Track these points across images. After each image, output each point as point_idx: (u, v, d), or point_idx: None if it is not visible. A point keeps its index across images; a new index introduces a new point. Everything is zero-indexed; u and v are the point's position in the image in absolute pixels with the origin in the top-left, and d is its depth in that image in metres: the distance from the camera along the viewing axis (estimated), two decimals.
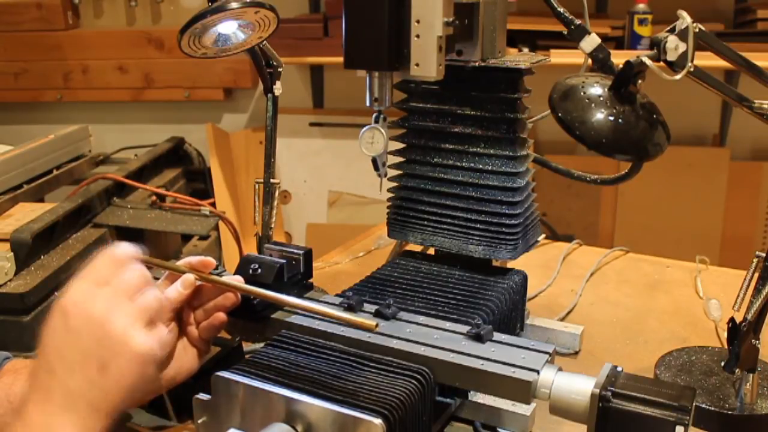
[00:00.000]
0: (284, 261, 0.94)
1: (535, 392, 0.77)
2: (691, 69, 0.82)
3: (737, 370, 0.91)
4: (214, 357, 0.95)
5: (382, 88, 0.85)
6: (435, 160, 1.05)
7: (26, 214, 1.85)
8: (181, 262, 0.90)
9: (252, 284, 0.90)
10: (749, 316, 0.88)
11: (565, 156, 2.66)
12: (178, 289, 0.86)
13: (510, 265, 1.08)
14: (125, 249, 0.78)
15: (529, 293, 1.21)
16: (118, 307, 0.72)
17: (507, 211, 1.01)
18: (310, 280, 1.00)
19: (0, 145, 2.25)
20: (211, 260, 0.90)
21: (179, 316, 0.88)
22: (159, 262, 0.89)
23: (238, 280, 0.89)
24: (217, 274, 0.90)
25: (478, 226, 1.03)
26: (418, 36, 0.82)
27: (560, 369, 0.78)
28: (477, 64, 0.96)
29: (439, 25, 0.81)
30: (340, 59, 0.84)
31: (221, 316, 0.88)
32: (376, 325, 0.79)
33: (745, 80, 2.19)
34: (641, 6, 2.38)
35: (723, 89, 0.86)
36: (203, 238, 2.21)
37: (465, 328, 0.86)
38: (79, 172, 2.43)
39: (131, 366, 0.71)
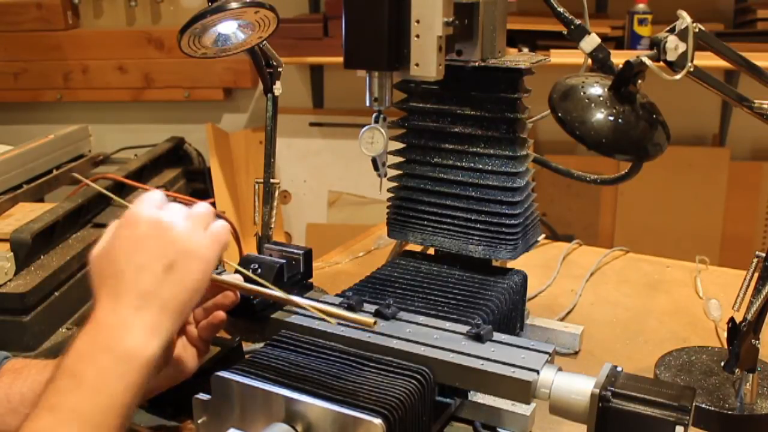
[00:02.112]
0: (284, 261, 0.94)
1: (535, 392, 0.77)
2: (691, 69, 0.82)
3: (737, 370, 0.91)
4: (214, 357, 0.95)
5: (382, 88, 0.85)
6: (435, 160, 1.05)
7: (26, 214, 1.85)
8: None
9: (251, 283, 0.90)
10: (749, 316, 0.88)
11: (565, 156, 2.66)
12: None
13: (510, 265, 1.08)
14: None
15: (529, 293, 1.21)
16: (180, 215, 0.75)
17: (507, 211, 1.01)
18: (310, 280, 1.00)
19: (0, 145, 2.25)
20: None
21: None
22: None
23: (237, 279, 0.89)
24: (217, 274, 0.90)
25: (478, 226, 1.03)
26: (418, 36, 0.82)
27: (560, 369, 0.78)
28: (477, 64, 0.96)
29: (439, 25, 0.81)
30: (340, 59, 0.84)
31: (221, 314, 0.88)
32: (375, 323, 0.79)
33: (745, 80, 2.19)
34: (641, 6, 2.38)
35: (723, 89, 0.86)
36: None
37: (465, 328, 0.86)
38: (79, 172, 2.43)
39: (195, 264, 0.73)
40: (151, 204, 0.75)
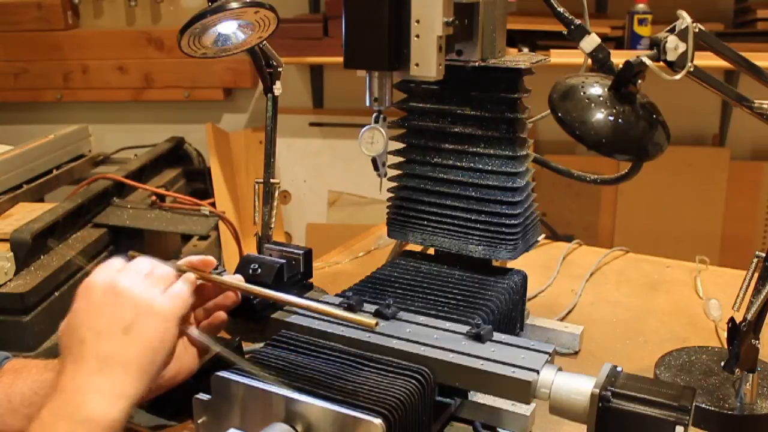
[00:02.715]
0: (284, 261, 0.94)
1: (535, 392, 0.77)
2: (691, 69, 0.82)
3: (737, 370, 0.91)
4: (214, 357, 0.95)
5: (382, 88, 0.85)
6: (435, 160, 1.05)
7: (26, 214, 1.85)
8: (181, 262, 0.90)
9: (252, 284, 0.90)
10: (749, 316, 0.88)
11: (565, 156, 2.66)
12: None
13: (510, 265, 1.08)
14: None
15: (529, 293, 1.21)
16: (136, 279, 0.77)
17: (507, 211, 1.01)
18: (310, 280, 1.00)
19: (0, 145, 2.25)
20: (212, 259, 0.90)
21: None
22: (159, 261, 0.89)
23: (238, 280, 0.89)
24: (217, 274, 0.90)
25: (478, 226, 1.03)
26: (418, 36, 0.82)
27: (560, 369, 0.78)
28: (477, 64, 0.96)
29: (439, 25, 0.81)
30: (340, 59, 0.84)
31: (221, 315, 0.88)
32: (376, 323, 0.79)
33: (745, 80, 2.19)
34: (641, 6, 2.38)
35: (723, 89, 0.86)
36: (203, 238, 2.21)
37: (465, 328, 0.86)
38: (79, 172, 2.43)
39: (153, 322, 0.74)
40: (109, 270, 0.77)
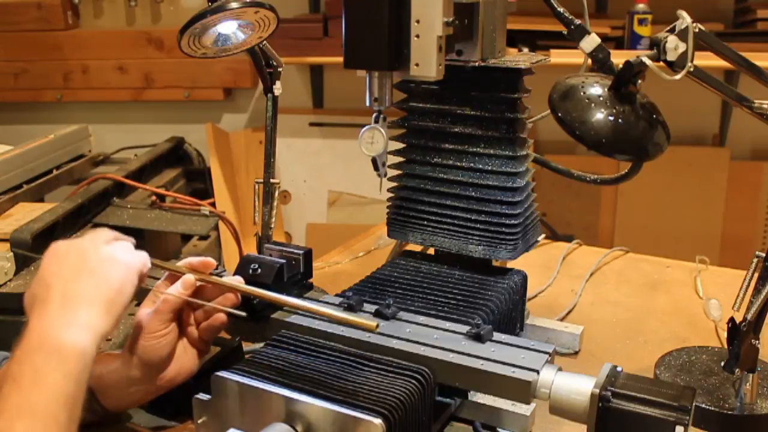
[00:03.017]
0: (284, 261, 0.94)
1: (535, 392, 0.77)
2: (691, 69, 0.82)
3: (737, 370, 0.91)
4: (214, 357, 0.95)
5: (382, 88, 0.85)
6: (435, 160, 1.05)
7: (26, 214, 1.85)
8: (181, 263, 0.90)
9: (252, 284, 0.90)
10: (749, 316, 0.88)
11: (565, 156, 2.66)
12: (178, 290, 0.86)
13: (510, 265, 1.08)
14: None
15: (529, 293, 1.21)
16: (98, 240, 0.83)
17: (507, 211, 1.01)
18: (310, 280, 1.00)
19: (0, 145, 2.25)
20: (212, 261, 0.90)
21: (179, 316, 0.88)
22: (159, 262, 0.89)
23: (238, 281, 0.89)
24: (217, 275, 0.90)
25: (478, 226, 1.03)
26: (418, 36, 0.82)
27: (560, 369, 0.78)
28: (477, 64, 0.96)
29: (439, 25, 0.81)
30: (340, 59, 0.84)
31: (221, 316, 0.88)
32: (377, 326, 0.79)
33: (745, 80, 2.19)
34: (641, 6, 2.38)
35: (723, 89, 0.86)
36: (203, 238, 2.20)
37: (465, 328, 0.86)
38: (79, 172, 2.43)
39: (116, 267, 0.79)
40: (73, 239, 0.83)
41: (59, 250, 0.80)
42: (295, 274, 0.96)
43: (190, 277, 0.87)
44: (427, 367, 0.79)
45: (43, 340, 0.71)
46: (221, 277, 0.90)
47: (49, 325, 0.72)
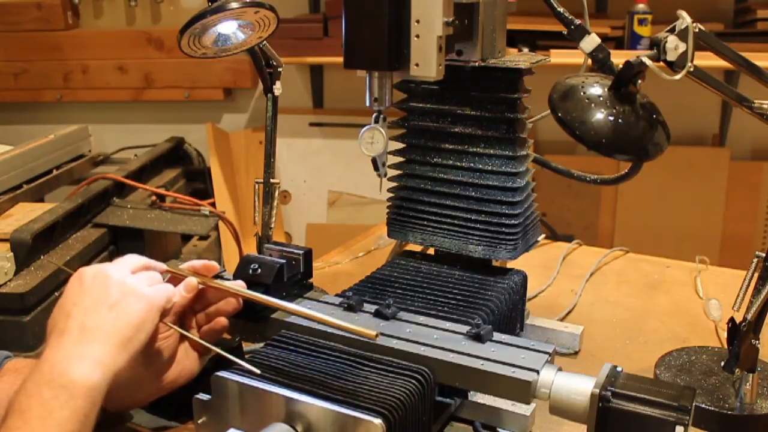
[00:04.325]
0: (284, 261, 0.94)
1: (535, 392, 0.77)
2: (691, 69, 0.82)
3: (737, 370, 0.91)
4: (214, 357, 0.95)
5: (382, 88, 0.85)
6: (435, 160, 1.05)
7: (26, 214, 1.85)
8: (184, 266, 0.90)
9: (252, 284, 0.90)
10: (749, 316, 0.88)
11: (565, 156, 2.66)
12: (180, 293, 0.86)
13: (510, 265, 1.08)
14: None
15: (529, 293, 1.21)
16: (124, 270, 0.82)
17: (507, 211, 1.01)
18: (310, 280, 1.00)
19: (0, 145, 2.25)
20: (215, 264, 0.90)
21: (181, 319, 0.88)
22: (161, 265, 0.89)
23: (240, 286, 0.89)
24: (218, 276, 0.90)
25: (478, 226, 1.03)
26: (418, 36, 0.82)
27: (560, 369, 0.78)
28: (477, 64, 0.96)
29: (439, 25, 0.81)
30: (340, 59, 0.84)
31: (222, 321, 0.88)
32: (377, 335, 0.79)
33: (745, 80, 2.19)
34: (641, 6, 2.38)
35: (723, 89, 0.86)
36: (203, 238, 2.21)
37: (465, 328, 0.86)
38: (79, 172, 2.43)
39: (138, 304, 0.78)
40: (99, 264, 0.82)
41: (84, 276, 0.79)
42: (295, 274, 0.96)
43: (192, 281, 0.87)
44: (427, 367, 0.79)
45: (54, 373, 0.71)
46: (222, 278, 0.90)
47: (63, 359, 0.72)
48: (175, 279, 0.89)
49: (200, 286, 0.88)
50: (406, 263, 1.07)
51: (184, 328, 0.88)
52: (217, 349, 0.84)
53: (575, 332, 1.08)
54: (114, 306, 0.76)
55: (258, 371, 0.77)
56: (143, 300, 0.78)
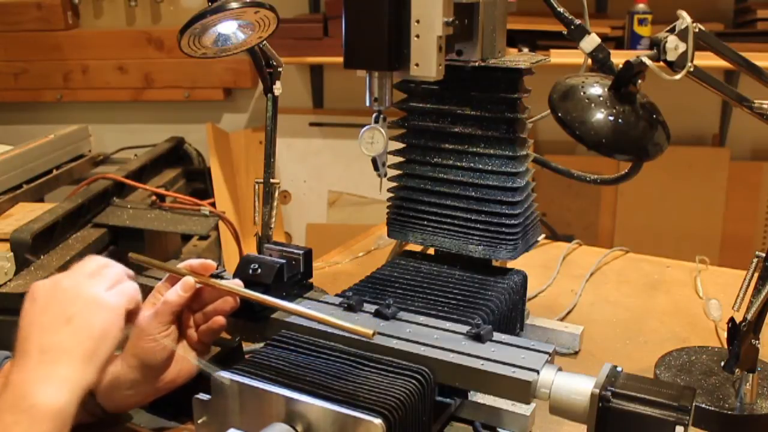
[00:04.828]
0: (284, 261, 0.94)
1: (535, 392, 0.77)
2: (691, 69, 0.82)
3: (737, 370, 0.91)
4: (214, 357, 0.95)
5: (382, 88, 0.85)
6: (435, 160, 1.05)
7: (26, 214, 1.85)
8: (181, 265, 0.90)
9: (252, 285, 0.90)
10: (749, 316, 0.88)
11: (565, 156, 2.66)
12: (178, 292, 0.86)
13: (510, 265, 1.08)
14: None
15: (529, 293, 1.21)
16: (79, 277, 0.78)
17: (507, 211, 1.01)
18: (310, 280, 1.00)
19: (0, 145, 2.25)
20: (212, 263, 0.90)
21: (179, 318, 0.88)
22: (159, 264, 0.89)
23: (237, 284, 0.89)
24: (218, 276, 0.90)
25: (478, 226, 1.03)
26: (418, 36, 0.82)
27: (560, 369, 0.78)
28: (477, 64, 0.96)
29: (439, 25, 0.81)
30: (340, 59, 0.84)
31: (220, 320, 0.88)
32: (373, 334, 0.79)
33: (745, 80, 2.19)
34: (641, 6, 2.38)
35: (723, 89, 0.86)
36: (203, 238, 2.21)
37: (465, 328, 0.86)
38: (79, 172, 2.43)
39: (97, 313, 0.75)
40: (55, 276, 0.78)
41: (37, 293, 0.76)
42: (295, 274, 0.96)
43: (190, 280, 0.87)
44: (427, 367, 0.79)
45: (17, 398, 0.69)
46: (221, 278, 0.90)
47: (25, 381, 0.70)
48: (173, 278, 0.89)
49: (198, 286, 0.88)
50: (406, 263, 1.07)
51: (182, 328, 0.88)
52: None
53: (575, 332, 1.08)
54: (71, 319, 0.73)
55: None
56: (103, 308, 0.75)
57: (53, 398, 0.69)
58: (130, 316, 0.80)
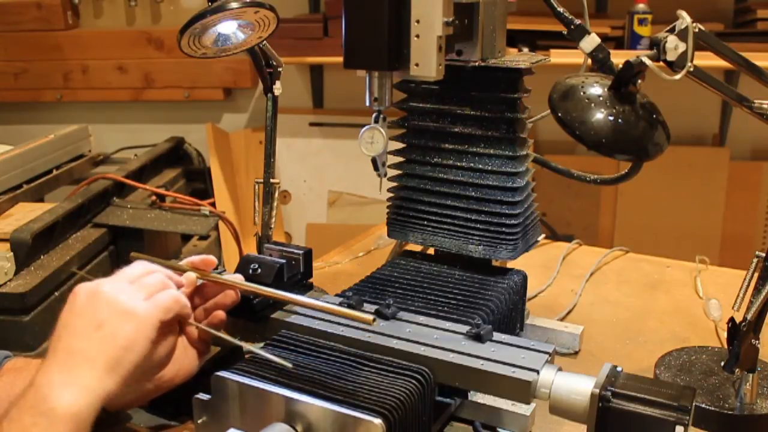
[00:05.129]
0: (284, 261, 0.94)
1: (535, 392, 0.77)
2: (691, 69, 0.82)
3: (737, 370, 0.91)
4: (214, 357, 0.95)
5: (381, 88, 0.85)
6: (435, 160, 1.05)
7: (26, 214, 1.85)
8: (183, 262, 0.90)
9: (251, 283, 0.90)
10: (749, 316, 0.88)
11: (565, 156, 2.66)
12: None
13: (510, 265, 1.08)
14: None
15: (529, 293, 1.21)
16: (120, 284, 0.79)
17: (507, 211, 1.01)
18: (310, 280, 1.00)
19: (0, 145, 2.25)
20: (213, 259, 0.90)
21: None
22: (160, 261, 0.89)
23: (238, 279, 0.89)
24: (217, 274, 0.90)
25: (478, 226, 1.03)
26: (418, 36, 0.82)
27: (560, 369, 0.78)
28: (477, 64, 0.96)
29: (439, 25, 0.81)
30: (340, 59, 0.84)
31: (220, 314, 0.88)
32: (374, 320, 0.79)
33: (745, 80, 2.19)
34: (641, 6, 2.38)
35: (723, 89, 0.86)
36: (203, 238, 2.21)
37: (465, 328, 0.86)
38: (79, 172, 2.43)
39: (127, 323, 0.75)
40: (99, 280, 0.79)
41: (78, 296, 0.76)
42: (295, 274, 0.96)
43: (191, 275, 0.87)
44: (427, 367, 0.79)
45: (38, 399, 0.69)
46: (221, 275, 0.90)
47: (47, 384, 0.70)
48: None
49: (199, 282, 0.88)
50: (406, 263, 1.07)
51: (182, 325, 0.88)
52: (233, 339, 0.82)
53: (575, 332, 1.08)
54: (101, 326, 0.74)
55: (290, 365, 0.76)
56: (133, 319, 0.75)
57: (73, 404, 0.69)
58: (170, 326, 0.81)
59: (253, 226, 1.08)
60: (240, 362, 0.81)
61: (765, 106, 0.85)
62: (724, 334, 0.94)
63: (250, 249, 1.15)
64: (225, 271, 0.93)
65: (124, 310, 0.75)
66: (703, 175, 2.65)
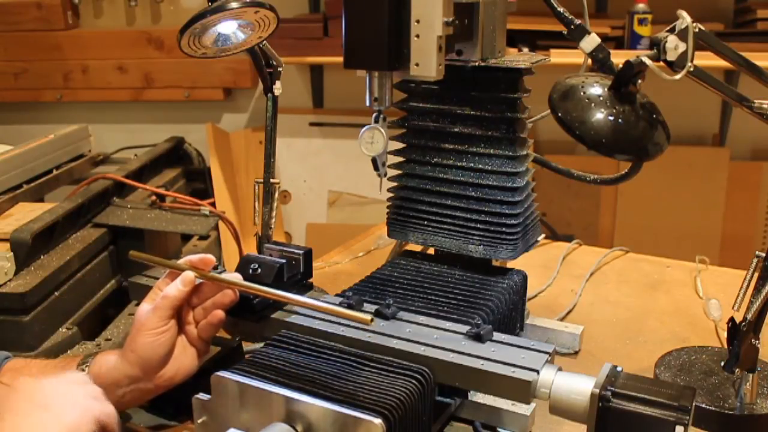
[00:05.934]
0: (284, 261, 0.94)
1: (535, 392, 0.77)
2: (691, 69, 0.82)
3: (737, 370, 0.91)
4: (214, 357, 0.95)
5: (382, 88, 0.85)
6: (435, 160, 1.05)
7: (26, 214, 1.85)
8: (181, 261, 0.90)
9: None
10: (749, 316, 0.88)
11: (565, 156, 2.66)
12: (178, 287, 0.86)
13: (510, 265, 1.08)
14: None
15: (529, 293, 1.21)
16: (65, 380, 0.78)
17: (507, 211, 1.01)
18: (310, 280, 1.00)
19: (0, 145, 2.25)
20: (211, 258, 0.90)
21: (179, 314, 0.88)
22: (159, 260, 0.89)
23: (237, 278, 0.89)
24: (217, 273, 0.90)
25: (478, 226, 1.03)
26: (418, 36, 0.82)
27: (560, 369, 0.78)
28: (477, 64, 0.96)
29: (439, 25, 0.81)
30: (340, 59, 0.84)
31: (219, 313, 0.88)
32: (371, 320, 0.79)
33: (745, 80, 2.19)
34: (641, 6, 2.38)
35: (723, 89, 0.86)
36: (203, 238, 2.20)
37: (465, 328, 0.86)
38: (79, 172, 2.43)
39: (72, 408, 0.74)
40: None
41: (20, 383, 0.76)
42: (295, 274, 0.96)
43: (189, 274, 0.87)
44: (427, 367, 0.79)
45: None
46: (220, 275, 0.90)
47: None
48: (173, 274, 0.89)
49: (198, 281, 0.88)
50: (406, 263, 1.07)
51: (182, 323, 0.88)
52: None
53: (575, 332, 1.08)
54: (47, 407, 0.73)
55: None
56: (78, 405, 0.75)
57: None
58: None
59: (253, 226, 1.08)
60: (240, 362, 0.81)
61: (765, 106, 0.85)
62: (724, 334, 0.94)
63: (250, 249, 1.15)
64: (224, 270, 0.93)
65: (70, 395, 0.76)
66: (703, 175, 2.65)
